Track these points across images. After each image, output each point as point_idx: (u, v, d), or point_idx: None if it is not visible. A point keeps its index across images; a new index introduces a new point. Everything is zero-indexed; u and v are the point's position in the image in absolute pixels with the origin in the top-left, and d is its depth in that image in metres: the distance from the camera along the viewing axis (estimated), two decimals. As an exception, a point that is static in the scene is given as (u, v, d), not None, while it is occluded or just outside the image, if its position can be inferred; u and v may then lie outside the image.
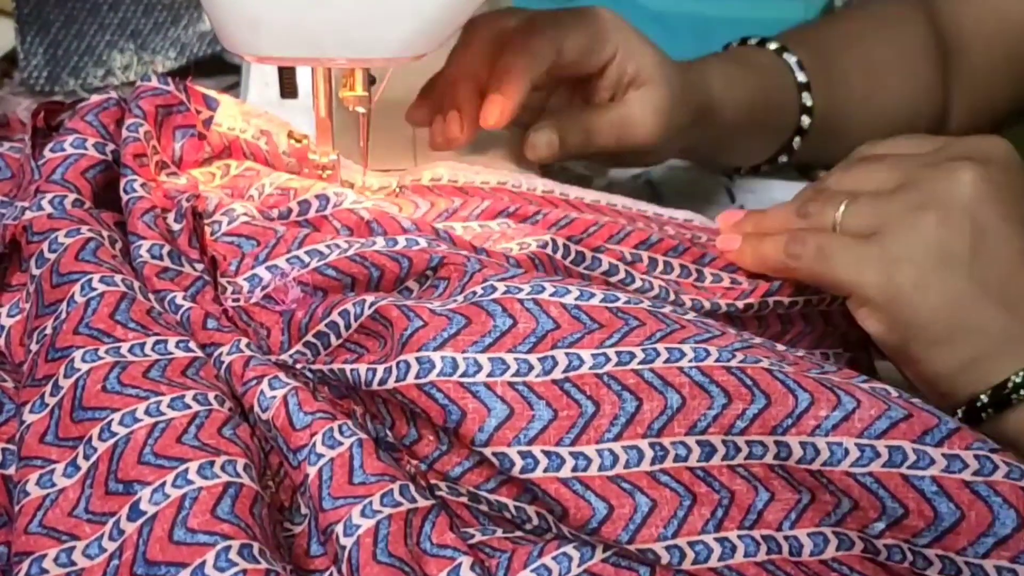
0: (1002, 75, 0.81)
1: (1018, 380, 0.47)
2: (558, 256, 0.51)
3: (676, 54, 0.97)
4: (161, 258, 0.50)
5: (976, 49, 0.81)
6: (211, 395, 0.44)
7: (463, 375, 0.43)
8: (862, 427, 0.40)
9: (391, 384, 0.43)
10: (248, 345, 0.47)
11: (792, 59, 0.75)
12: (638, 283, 0.51)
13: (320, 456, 0.42)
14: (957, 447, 0.39)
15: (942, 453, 0.39)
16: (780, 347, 0.47)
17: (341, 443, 0.42)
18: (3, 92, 0.96)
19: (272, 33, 0.52)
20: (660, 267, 0.54)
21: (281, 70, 0.59)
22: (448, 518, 0.41)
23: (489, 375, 0.43)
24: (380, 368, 0.44)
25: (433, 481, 0.45)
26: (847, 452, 0.40)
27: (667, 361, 0.43)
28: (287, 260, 0.50)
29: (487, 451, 0.42)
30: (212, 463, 0.40)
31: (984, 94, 0.82)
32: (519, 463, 0.41)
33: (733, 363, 0.42)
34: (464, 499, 0.45)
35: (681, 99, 0.67)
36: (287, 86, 0.59)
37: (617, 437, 0.42)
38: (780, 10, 1.04)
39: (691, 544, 0.41)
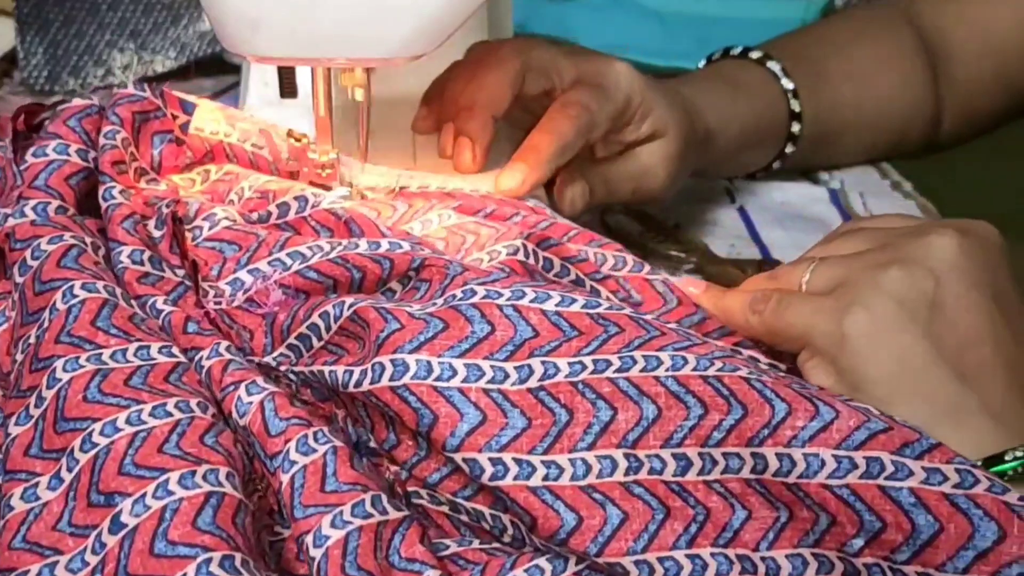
0: (990, 90, 0.81)
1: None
2: (530, 262, 0.51)
3: (676, 54, 0.97)
4: (142, 263, 0.50)
5: (963, 64, 0.81)
6: (193, 402, 0.43)
7: (437, 379, 0.42)
8: (840, 438, 0.39)
9: (366, 386, 0.43)
10: (228, 348, 0.47)
11: (776, 67, 0.75)
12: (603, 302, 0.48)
13: (293, 463, 0.41)
14: (938, 460, 0.38)
15: (922, 466, 0.38)
16: (764, 362, 0.47)
17: (315, 450, 0.41)
18: (3, 92, 0.96)
19: (271, 33, 0.52)
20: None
21: (281, 70, 0.59)
22: (420, 529, 0.41)
23: (464, 380, 0.42)
24: (356, 370, 0.44)
25: (414, 488, 0.45)
26: (823, 463, 0.39)
27: (643, 369, 0.42)
28: (269, 263, 0.50)
29: (457, 457, 0.41)
30: (193, 472, 0.40)
31: (972, 107, 0.83)
32: (489, 470, 0.41)
33: (711, 371, 0.42)
34: (445, 508, 0.44)
35: (690, 143, 0.68)
36: (287, 86, 0.59)
37: (591, 446, 0.41)
38: (780, 10, 1.04)
39: (661, 560, 0.40)
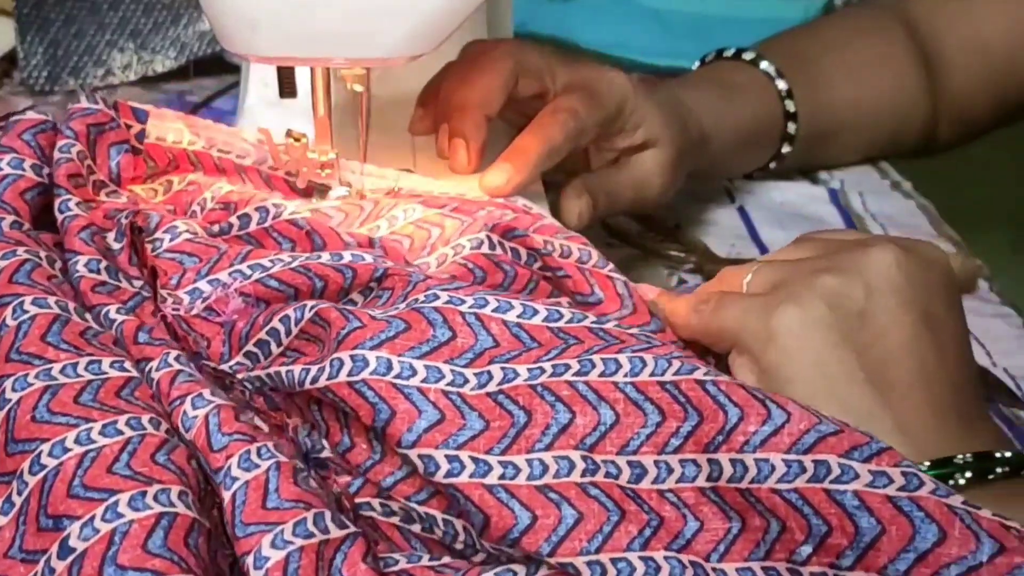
0: (979, 96, 0.81)
1: None
2: (497, 252, 0.51)
3: (676, 54, 0.97)
4: (98, 272, 0.50)
5: (955, 68, 0.81)
6: (145, 418, 0.42)
7: (397, 376, 0.42)
8: (790, 441, 0.39)
9: (322, 382, 0.43)
10: (178, 358, 0.45)
11: (770, 68, 0.76)
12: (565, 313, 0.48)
13: (235, 480, 0.40)
14: (885, 464, 0.38)
15: (868, 469, 0.38)
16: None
17: (258, 466, 0.40)
18: (3, 92, 0.96)
19: (271, 33, 0.52)
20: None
21: (280, 70, 0.59)
22: (364, 546, 0.39)
23: (423, 380, 0.42)
24: (314, 368, 0.43)
25: (365, 499, 0.44)
26: (773, 468, 0.39)
27: (602, 374, 0.42)
28: (229, 274, 0.50)
29: (413, 453, 0.41)
30: (144, 493, 0.39)
31: (964, 112, 0.83)
32: (444, 467, 0.40)
33: (668, 375, 0.42)
34: (395, 519, 0.44)
35: (684, 149, 0.68)
36: (286, 85, 0.59)
37: (548, 447, 0.41)
38: (780, 10, 1.04)
39: (614, 561, 0.39)
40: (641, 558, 0.39)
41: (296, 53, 0.53)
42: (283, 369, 0.45)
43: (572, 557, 0.39)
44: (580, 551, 0.39)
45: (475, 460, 0.41)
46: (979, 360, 0.61)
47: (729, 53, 0.78)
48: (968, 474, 0.43)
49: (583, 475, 0.40)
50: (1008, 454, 0.44)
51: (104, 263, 0.50)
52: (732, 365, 0.48)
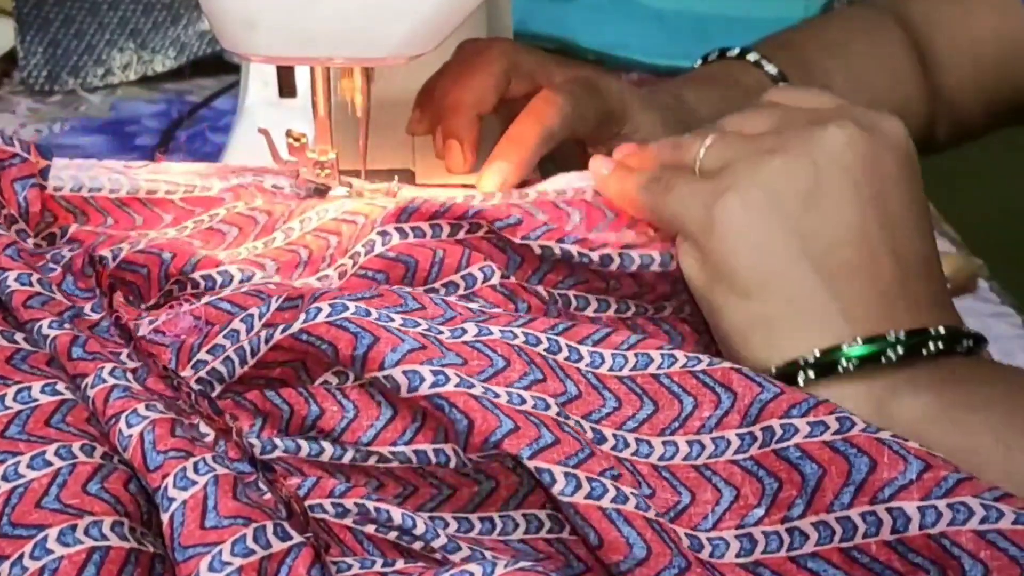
0: (968, 99, 0.81)
1: (809, 360, 0.44)
2: (396, 243, 0.51)
3: (676, 54, 0.97)
4: (30, 284, 0.48)
5: (946, 70, 0.81)
6: (76, 445, 0.41)
7: (377, 320, 0.44)
8: (740, 418, 0.42)
9: (297, 327, 0.43)
10: (112, 372, 0.44)
11: (773, 70, 0.75)
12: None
13: (172, 500, 0.39)
14: (822, 414, 0.40)
15: (807, 421, 0.40)
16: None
17: (195, 482, 0.39)
18: (3, 92, 0.96)
19: (270, 32, 0.52)
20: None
21: (280, 69, 0.59)
22: (310, 557, 0.39)
23: (402, 325, 0.44)
24: (285, 325, 0.44)
25: (316, 501, 0.44)
26: (729, 443, 0.41)
27: (567, 358, 0.44)
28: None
29: (397, 370, 0.42)
30: (74, 527, 0.38)
31: (957, 115, 0.82)
32: (430, 379, 0.41)
33: (624, 371, 0.44)
34: (349, 519, 0.43)
35: None
36: (286, 85, 0.59)
37: (526, 388, 0.43)
38: (780, 10, 1.04)
39: (589, 479, 0.40)
40: (613, 484, 0.40)
41: (296, 53, 0.53)
42: (251, 334, 0.45)
43: (552, 465, 0.40)
44: (559, 462, 0.40)
45: (460, 376, 0.42)
46: (979, 360, 0.61)
47: (733, 53, 0.77)
48: (900, 350, 0.43)
49: (558, 414, 0.42)
50: (942, 329, 0.44)
51: (35, 276, 0.48)
52: (677, 249, 0.48)
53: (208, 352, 0.46)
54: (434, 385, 0.41)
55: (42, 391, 0.43)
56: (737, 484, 0.41)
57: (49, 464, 0.40)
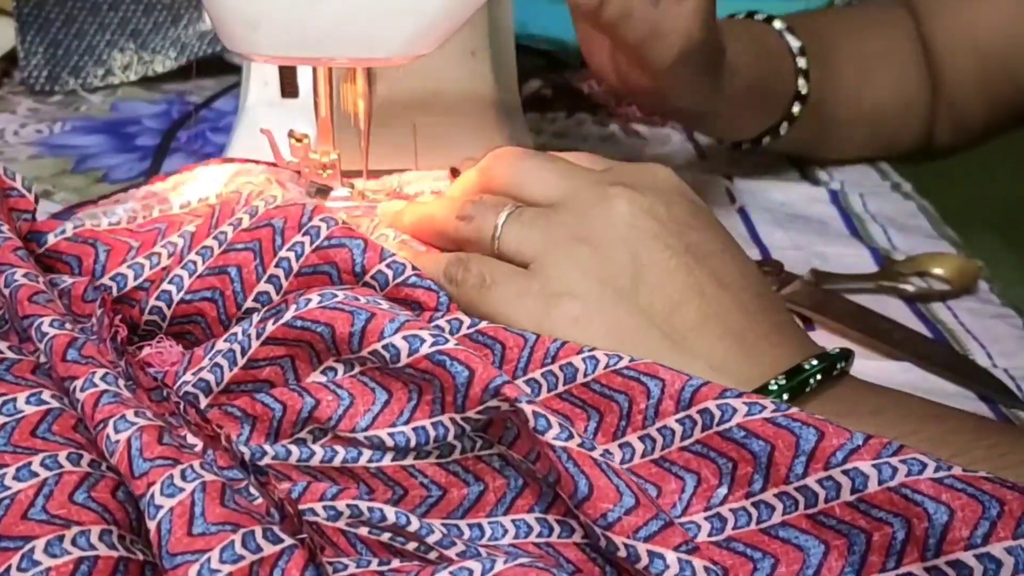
0: (975, 99, 0.81)
1: None
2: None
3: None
4: (36, 282, 0.47)
5: (949, 69, 0.81)
6: (63, 455, 0.41)
7: (367, 303, 0.45)
8: (674, 404, 0.42)
9: (290, 315, 0.44)
10: (104, 377, 0.43)
11: (796, 43, 0.75)
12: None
13: (159, 508, 0.38)
14: (755, 398, 0.41)
15: (743, 402, 0.41)
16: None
17: (182, 489, 0.39)
18: (3, 92, 0.96)
19: (272, 32, 0.52)
20: None
21: (282, 69, 0.59)
22: (304, 558, 0.38)
23: (391, 308, 0.45)
24: (276, 316, 0.45)
25: (308, 505, 0.44)
26: (673, 432, 0.42)
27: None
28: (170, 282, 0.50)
29: (397, 337, 0.43)
30: (61, 538, 0.37)
31: (958, 114, 0.82)
32: (429, 340, 0.42)
33: (560, 387, 0.44)
34: (341, 522, 0.43)
35: (710, 44, 0.65)
36: (288, 85, 0.59)
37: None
38: (780, 10, 1.04)
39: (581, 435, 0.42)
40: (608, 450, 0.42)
41: (298, 53, 0.53)
42: (238, 330, 0.46)
43: (546, 411, 0.40)
44: (554, 411, 0.42)
45: (457, 343, 0.43)
46: (979, 361, 0.61)
47: (759, 17, 0.77)
48: (786, 396, 0.44)
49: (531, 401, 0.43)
50: (815, 361, 0.45)
51: (42, 277, 0.48)
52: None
53: (193, 373, 0.47)
54: (435, 344, 0.42)
55: (27, 401, 0.43)
56: (695, 469, 0.42)
57: (35, 475, 0.40)
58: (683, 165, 0.84)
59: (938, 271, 0.69)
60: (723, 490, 0.41)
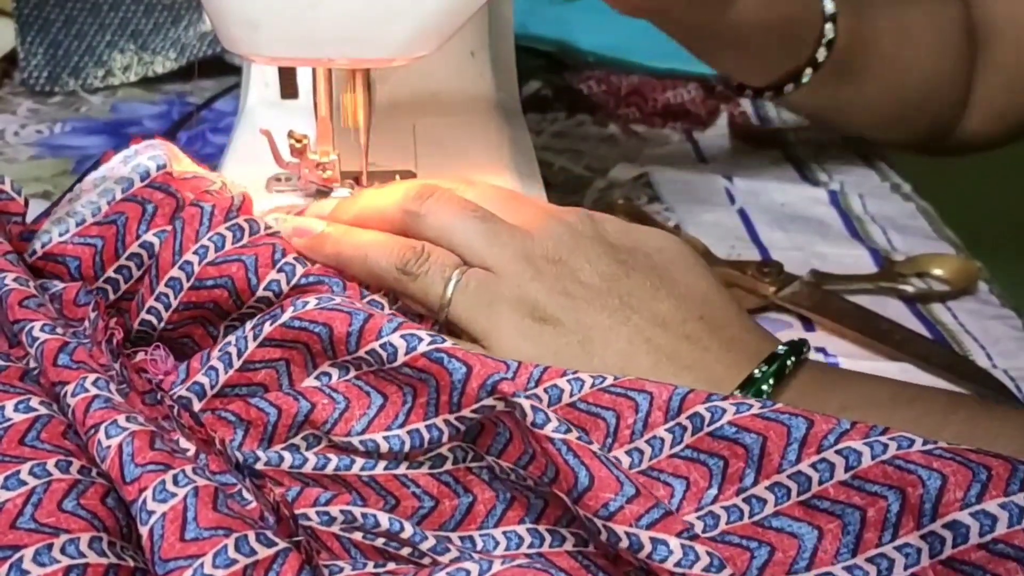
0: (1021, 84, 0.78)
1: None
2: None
3: (675, 56, 0.97)
4: (27, 287, 0.47)
5: (1004, 47, 0.78)
6: (51, 463, 0.40)
7: (366, 305, 0.46)
8: (663, 415, 0.43)
9: (288, 316, 0.44)
10: (95, 382, 0.43)
11: (830, 7, 0.72)
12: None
13: (151, 513, 0.38)
14: (741, 398, 0.43)
15: (731, 403, 0.42)
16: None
17: (175, 494, 0.38)
18: (3, 93, 0.97)
19: (272, 33, 0.52)
20: None
21: (281, 70, 0.59)
22: (299, 561, 0.38)
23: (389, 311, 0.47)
24: (273, 317, 0.45)
25: (302, 510, 0.44)
26: (663, 441, 0.43)
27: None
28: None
29: (395, 336, 0.43)
30: (50, 547, 0.37)
31: (1005, 98, 0.79)
32: (427, 339, 0.43)
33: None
34: (336, 527, 0.43)
35: None
36: (287, 86, 0.59)
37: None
38: None
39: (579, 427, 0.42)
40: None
41: (298, 54, 0.53)
42: (232, 337, 0.46)
43: (543, 407, 0.41)
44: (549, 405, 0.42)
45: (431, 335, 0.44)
46: (979, 361, 0.61)
47: None
48: (771, 381, 0.46)
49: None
50: (783, 347, 0.47)
51: (33, 281, 0.48)
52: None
53: (185, 385, 0.47)
54: (433, 342, 0.43)
55: (15, 409, 0.43)
56: (684, 474, 0.42)
57: (24, 483, 0.39)
58: (683, 165, 0.84)
59: (938, 272, 0.69)
60: (713, 491, 0.41)
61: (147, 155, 0.49)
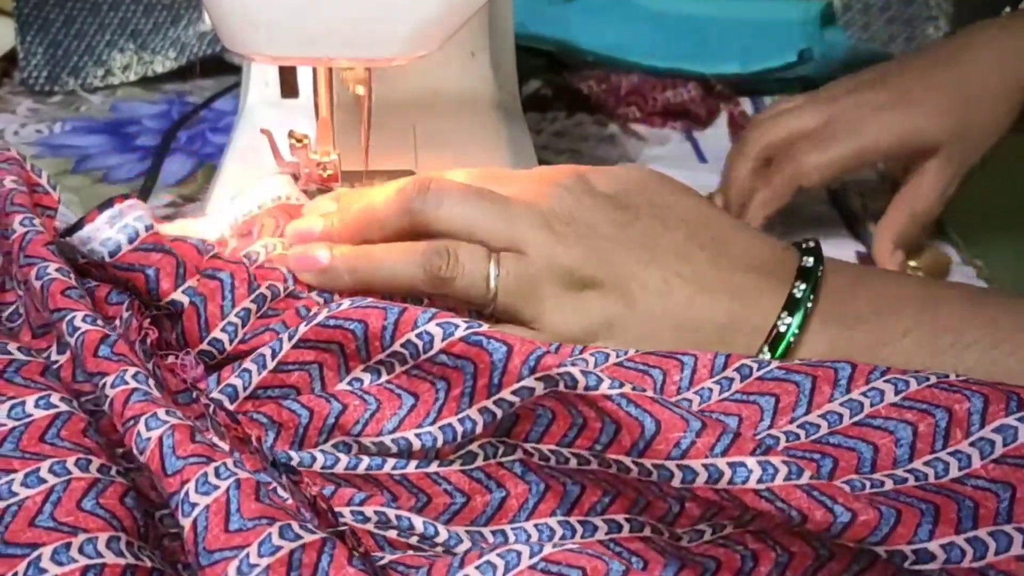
0: None
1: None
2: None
3: (676, 56, 0.98)
4: (69, 277, 0.47)
5: None
6: (71, 461, 0.40)
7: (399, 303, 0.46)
8: (708, 372, 0.44)
9: (323, 316, 0.45)
10: (135, 376, 0.43)
11: None
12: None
13: (194, 506, 0.38)
14: (736, 361, 0.45)
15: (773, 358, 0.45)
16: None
17: (217, 487, 0.38)
18: (3, 92, 0.97)
19: (273, 32, 0.52)
20: None
21: (282, 69, 0.59)
22: (347, 550, 0.38)
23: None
24: (309, 319, 0.45)
25: (337, 509, 0.44)
26: (711, 390, 0.44)
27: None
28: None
29: (431, 325, 0.43)
30: (68, 545, 0.37)
31: None
32: (463, 325, 0.43)
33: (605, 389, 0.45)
34: (371, 525, 0.44)
35: (969, 139, 0.68)
36: (287, 86, 0.59)
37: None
38: (779, 12, 1.04)
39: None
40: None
41: (298, 53, 0.53)
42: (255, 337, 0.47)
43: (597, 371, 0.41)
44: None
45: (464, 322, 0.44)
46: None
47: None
48: (807, 287, 0.47)
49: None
50: (807, 258, 0.49)
51: (72, 274, 0.47)
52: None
53: (219, 388, 0.47)
54: (469, 327, 0.42)
55: (36, 405, 0.43)
56: (735, 412, 0.43)
57: (43, 481, 0.40)
58: (683, 165, 0.83)
59: (912, 263, 0.72)
60: (766, 423, 0.43)
61: (132, 216, 0.49)
